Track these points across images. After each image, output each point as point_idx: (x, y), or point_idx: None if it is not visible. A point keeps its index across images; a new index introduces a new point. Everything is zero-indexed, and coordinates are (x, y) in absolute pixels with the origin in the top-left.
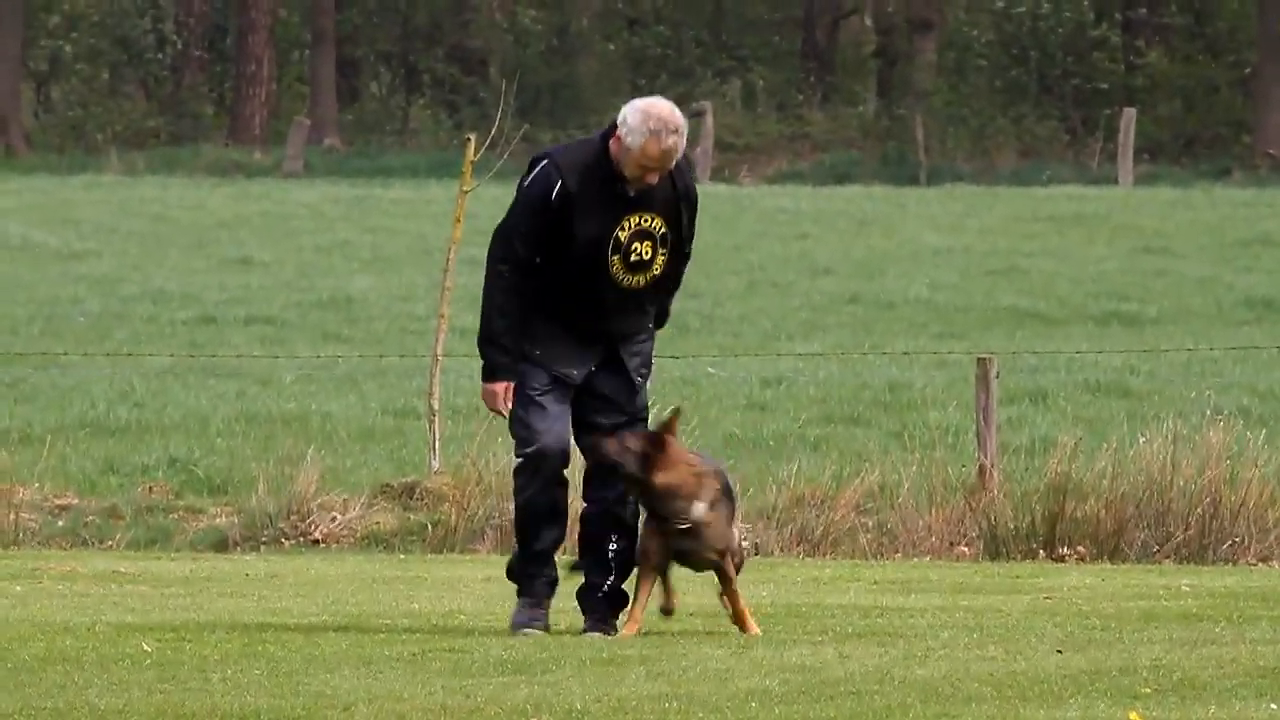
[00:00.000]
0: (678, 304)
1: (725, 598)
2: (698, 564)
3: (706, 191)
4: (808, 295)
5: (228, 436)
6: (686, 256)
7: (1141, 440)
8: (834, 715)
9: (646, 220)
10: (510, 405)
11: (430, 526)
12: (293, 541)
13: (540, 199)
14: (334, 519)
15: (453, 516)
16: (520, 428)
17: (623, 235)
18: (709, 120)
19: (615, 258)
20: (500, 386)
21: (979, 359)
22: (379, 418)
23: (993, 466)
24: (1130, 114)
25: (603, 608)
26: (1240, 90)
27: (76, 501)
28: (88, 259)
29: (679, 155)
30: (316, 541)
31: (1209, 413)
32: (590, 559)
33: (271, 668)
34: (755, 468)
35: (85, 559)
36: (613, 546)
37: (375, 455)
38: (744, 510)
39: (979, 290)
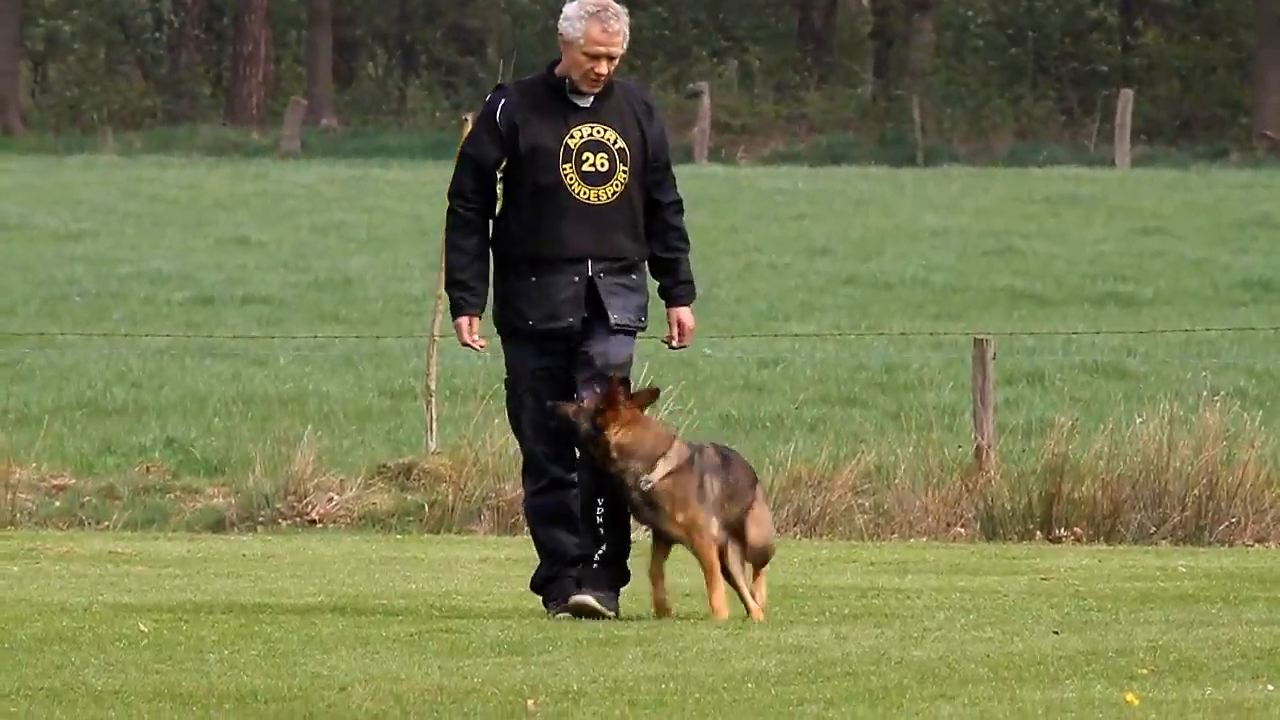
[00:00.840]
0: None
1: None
2: (666, 537)
3: (703, 172)
4: (804, 276)
5: (224, 417)
6: (672, 200)
7: (1138, 421)
8: (830, 696)
9: (598, 131)
10: (478, 338)
11: (427, 507)
12: (289, 522)
13: (487, 120)
14: (331, 499)
15: (450, 497)
16: (515, 425)
17: (572, 143)
18: (706, 101)
19: (567, 166)
20: (464, 320)
21: (976, 340)
22: (376, 398)
23: (989, 447)
24: (1127, 95)
25: (598, 577)
26: (1238, 71)
27: (73, 482)
28: (84, 239)
29: (625, 42)
30: (313, 522)
31: (1205, 394)
32: (583, 529)
33: (268, 648)
34: (752, 448)
35: (82, 539)
36: (600, 510)
37: (372, 436)
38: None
39: (976, 271)
